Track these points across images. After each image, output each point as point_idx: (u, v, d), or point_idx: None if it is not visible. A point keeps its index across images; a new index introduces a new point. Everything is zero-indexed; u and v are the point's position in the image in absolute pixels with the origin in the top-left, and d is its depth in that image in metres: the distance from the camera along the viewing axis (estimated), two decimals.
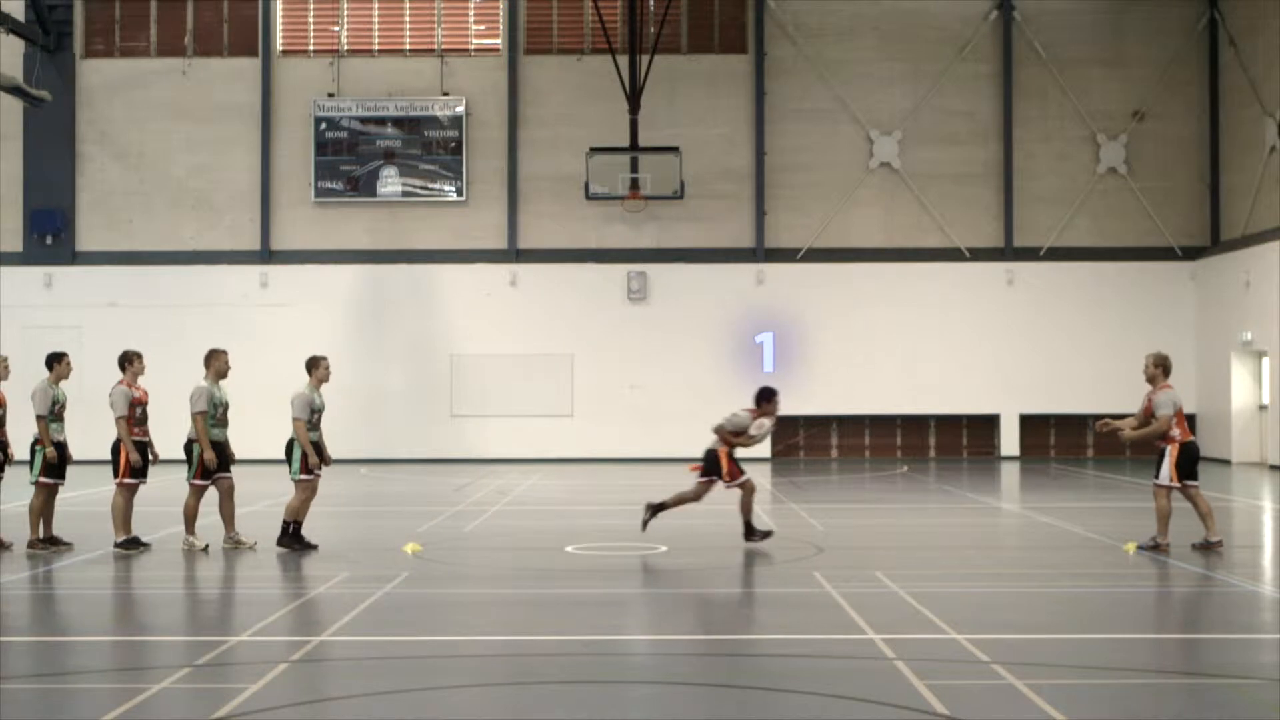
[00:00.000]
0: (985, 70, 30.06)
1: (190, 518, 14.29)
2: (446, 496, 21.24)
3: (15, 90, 27.44)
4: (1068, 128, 30.01)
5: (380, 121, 30.01)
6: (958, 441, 30.27)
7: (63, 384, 14.40)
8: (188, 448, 14.29)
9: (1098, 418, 29.56)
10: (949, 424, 30.22)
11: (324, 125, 29.89)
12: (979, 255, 29.93)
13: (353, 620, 10.31)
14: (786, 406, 29.33)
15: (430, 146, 30.00)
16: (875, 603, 10.89)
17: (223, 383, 14.67)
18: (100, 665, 9.02)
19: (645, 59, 27.87)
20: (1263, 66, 27.76)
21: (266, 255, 29.88)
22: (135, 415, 14.27)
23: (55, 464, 14.13)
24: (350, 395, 29.35)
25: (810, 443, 30.19)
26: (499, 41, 30.32)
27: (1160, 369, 14.13)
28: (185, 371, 28.76)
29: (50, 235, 29.65)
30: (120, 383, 14.27)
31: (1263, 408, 27.73)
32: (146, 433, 14.45)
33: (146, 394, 14.54)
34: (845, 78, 30.00)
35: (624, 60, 27.99)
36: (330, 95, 29.97)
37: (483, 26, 30.47)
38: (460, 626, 10.31)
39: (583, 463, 28.70)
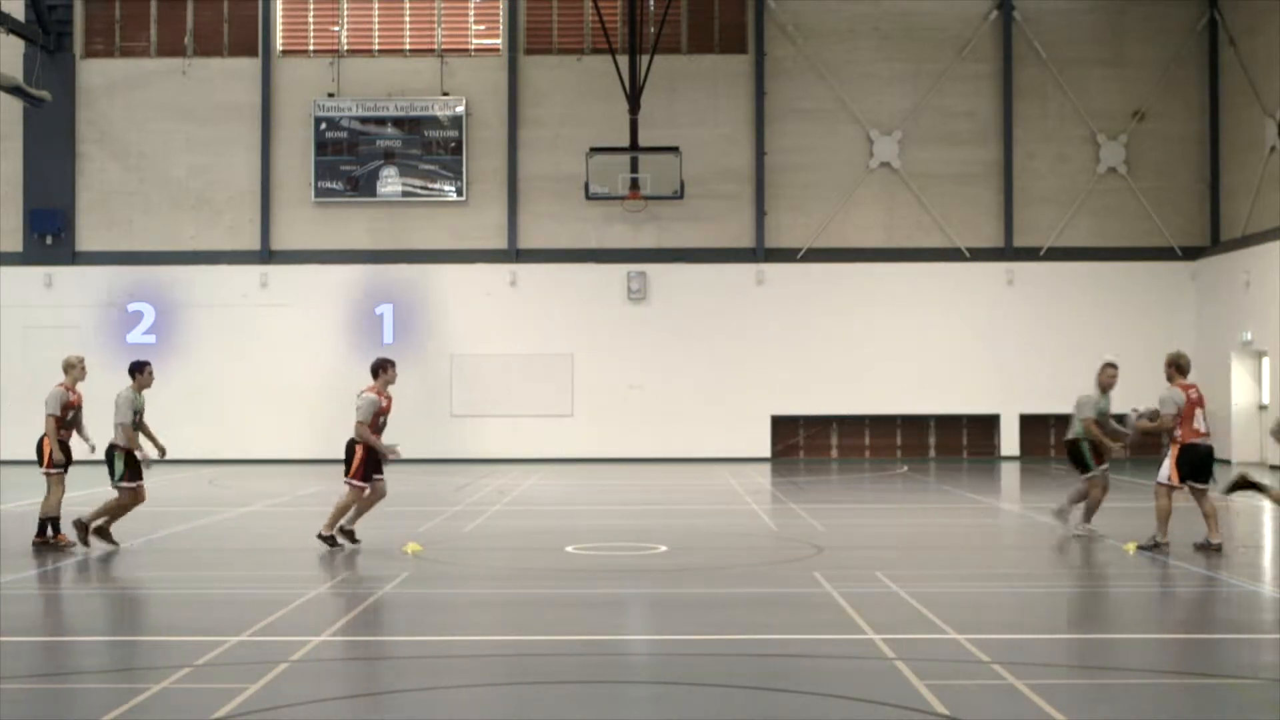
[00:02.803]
0: (985, 70, 30.06)
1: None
2: (446, 496, 21.24)
3: (15, 90, 27.44)
4: (1068, 128, 30.01)
5: (380, 121, 30.00)
6: (958, 441, 30.27)
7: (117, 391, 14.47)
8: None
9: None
10: (949, 424, 30.22)
11: (324, 125, 29.89)
12: (979, 255, 29.92)
13: (353, 620, 10.30)
14: (787, 407, 29.68)
15: (430, 146, 30.00)
16: (875, 603, 10.89)
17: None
18: (100, 665, 9.01)
19: (645, 59, 27.87)
20: (1263, 66, 27.76)
21: (266, 255, 29.87)
22: (378, 424, 14.40)
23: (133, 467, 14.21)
24: (349, 395, 29.30)
25: (810, 443, 30.19)
26: (499, 41, 30.32)
27: (1173, 367, 14.16)
28: (185, 371, 28.96)
29: (50, 235, 29.65)
30: (370, 389, 14.40)
31: (1263, 408, 27.73)
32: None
33: (391, 401, 14.67)
34: (845, 78, 30.00)
35: (624, 60, 27.98)
36: (330, 95, 29.97)
37: (483, 26, 30.47)
38: (460, 626, 10.30)
39: (583, 463, 28.70)
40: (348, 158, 29.96)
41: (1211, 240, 29.82)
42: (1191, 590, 12.22)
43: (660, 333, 29.61)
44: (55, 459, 14.25)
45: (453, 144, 29.99)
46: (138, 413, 14.28)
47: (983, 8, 30.05)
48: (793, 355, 29.51)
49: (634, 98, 27.76)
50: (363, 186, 29.95)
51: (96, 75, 30.21)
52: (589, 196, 28.71)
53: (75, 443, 14.60)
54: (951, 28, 30.06)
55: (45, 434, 14.32)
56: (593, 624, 10.30)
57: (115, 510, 14.27)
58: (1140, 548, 13.93)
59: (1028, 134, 30.00)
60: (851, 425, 30.22)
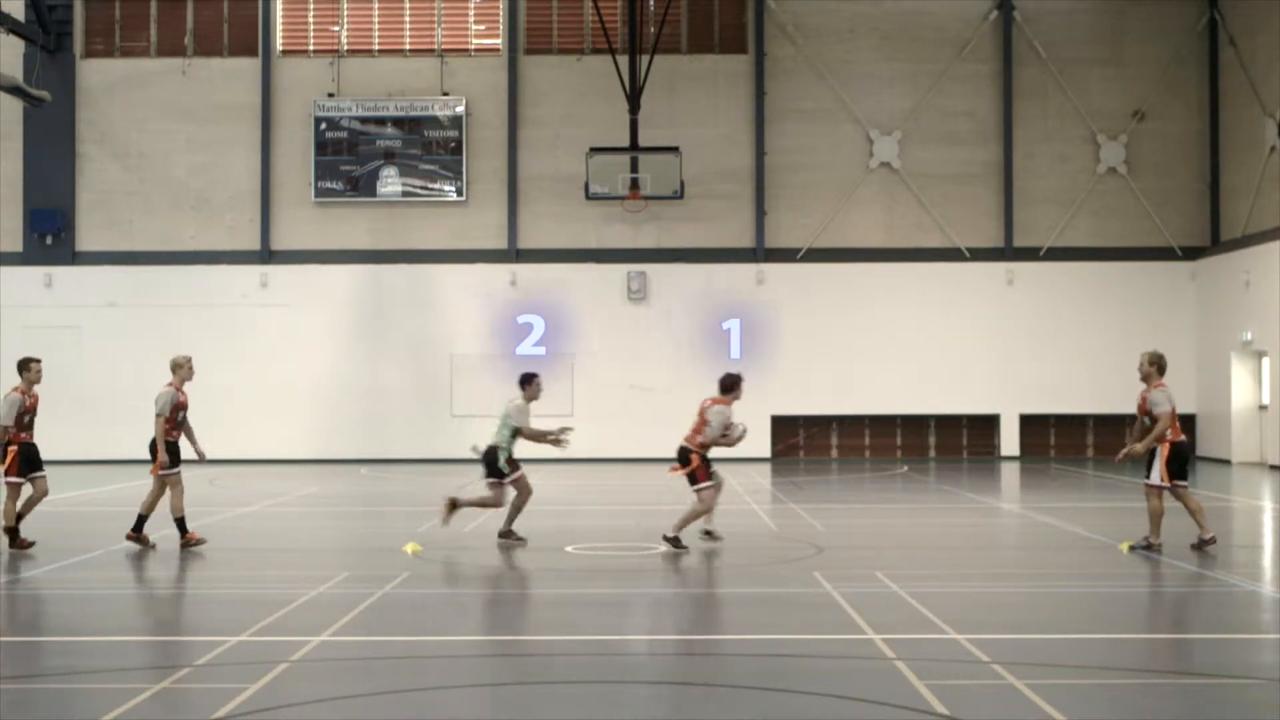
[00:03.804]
0: (985, 70, 30.06)
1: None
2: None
3: (15, 90, 27.43)
4: (1068, 128, 30.01)
5: (380, 121, 30.00)
6: (958, 441, 30.27)
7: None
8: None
9: (1098, 418, 29.91)
10: (949, 424, 30.21)
11: (324, 125, 29.88)
12: (979, 255, 29.92)
13: (353, 620, 10.31)
14: (787, 407, 29.65)
15: (430, 146, 29.99)
16: (875, 603, 10.89)
17: None
18: (100, 665, 9.02)
19: (645, 59, 27.87)
20: (1263, 66, 27.76)
21: (266, 255, 29.87)
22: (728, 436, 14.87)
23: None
24: (350, 395, 29.40)
25: (810, 443, 30.18)
26: (499, 41, 30.32)
27: (1155, 367, 14.08)
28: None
29: (50, 235, 29.65)
30: (721, 402, 14.77)
31: (1263, 408, 27.73)
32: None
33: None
34: (845, 78, 30.00)
35: (624, 60, 27.98)
36: (330, 95, 29.97)
37: (483, 26, 30.47)
38: (460, 626, 10.31)
39: (583, 463, 28.68)
40: (348, 158, 29.96)
41: (1211, 240, 29.82)
42: (1190, 590, 12.22)
43: (660, 332, 29.61)
44: (162, 461, 14.29)
45: (453, 144, 29.99)
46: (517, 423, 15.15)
47: (983, 8, 30.05)
48: (792, 355, 29.51)
49: (634, 98, 27.76)
50: (363, 186, 29.95)
51: (96, 75, 30.21)
52: (589, 196, 28.70)
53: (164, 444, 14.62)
54: (951, 28, 30.05)
55: (156, 436, 14.35)
56: (593, 624, 10.30)
57: (482, 504, 15.16)
58: (1133, 547, 13.94)
59: (1028, 134, 29.99)
60: (851, 425, 30.21)
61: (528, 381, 15.41)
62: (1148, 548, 13.80)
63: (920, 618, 10.27)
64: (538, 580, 12.53)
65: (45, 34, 29.33)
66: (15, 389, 14.32)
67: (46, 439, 28.34)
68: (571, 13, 30.42)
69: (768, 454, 29.56)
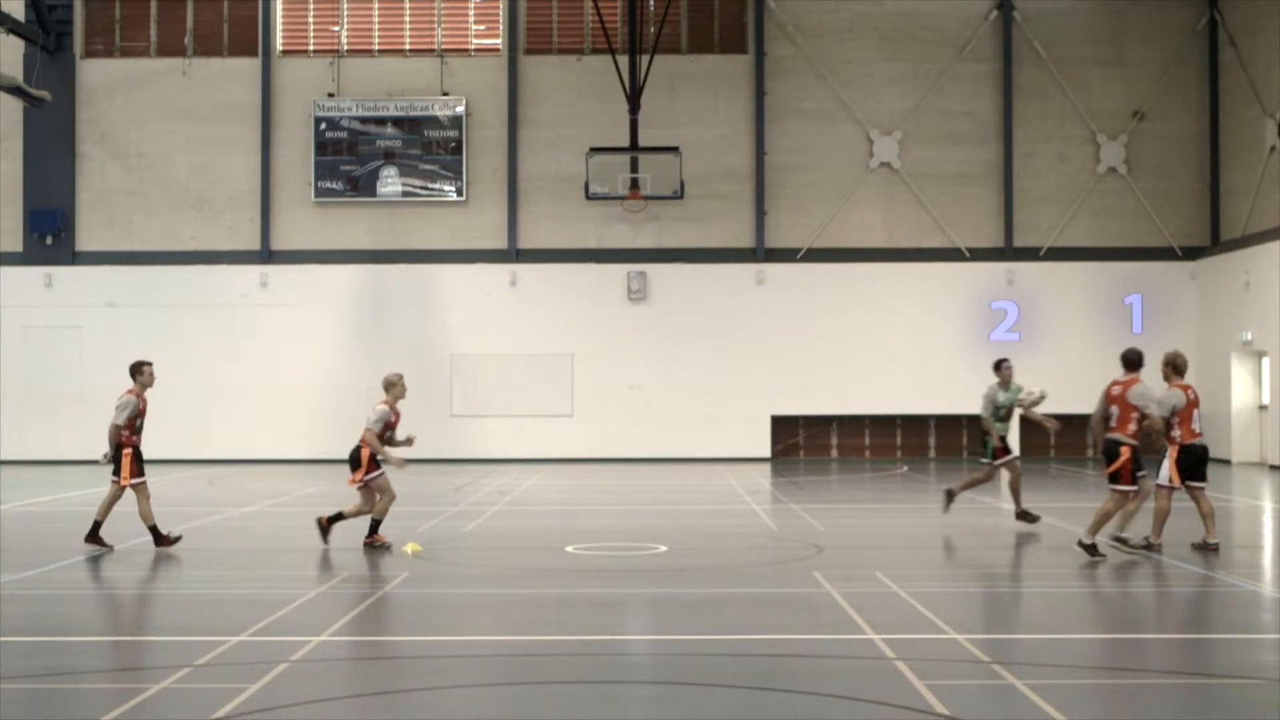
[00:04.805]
0: (985, 70, 30.06)
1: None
2: (446, 496, 21.24)
3: (15, 90, 27.43)
4: (1068, 128, 30.01)
5: (380, 121, 30.00)
6: (958, 441, 30.26)
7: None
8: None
9: None
10: (949, 424, 30.21)
11: (324, 125, 29.89)
12: (979, 255, 29.92)
13: (353, 620, 10.30)
14: (788, 407, 29.68)
15: (430, 146, 29.99)
16: (875, 603, 10.89)
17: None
18: (100, 665, 9.01)
19: (645, 59, 27.87)
20: (1263, 66, 27.76)
21: (266, 255, 29.88)
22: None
23: None
24: (349, 395, 29.38)
25: (810, 443, 30.18)
26: (499, 41, 30.32)
27: (1170, 367, 14.11)
28: (185, 371, 28.99)
29: (50, 235, 29.65)
30: (1136, 380, 13.72)
31: (1263, 408, 27.73)
32: None
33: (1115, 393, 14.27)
34: (845, 78, 30.00)
35: (624, 60, 27.99)
36: (330, 95, 29.97)
37: (483, 26, 30.48)
38: (460, 626, 10.30)
39: (583, 463, 28.70)
40: (348, 158, 29.96)
41: (1211, 240, 29.82)
42: (1191, 590, 12.22)
43: (660, 333, 29.62)
44: (377, 465, 14.59)
45: (453, 144, 29.99)
46: (1000, 407, 16.83)
47: (983, 8, 30.05)
48: (793, 355, 29.51)
49: (634, 98, 27.76)
50: (363, 186, 29.96)
51: (96, 75, 30.21)
52: (589, 196, 28.71)
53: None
54: (951, 28, 30.05)
55: (362, 445, 14.58)
56: (593, 624, 10.29)
57: (972, 484, 17.14)
58: (1133, 547, 13.92)
59: (1028, 134, 30.00)
60: (851, 425, 30.21)
61: (999, 366, 17.06)
62: (1147, 547, 13.80)
63: (920, 618, 10.27)
64: (538, 580, 12.52)
65: (45, 34, 29.34)
66: (129, 391, 14.46)
67: (44, 439, 28.38)
68: (571, 13, 30.43)
69: (768, 454, 29.56)
